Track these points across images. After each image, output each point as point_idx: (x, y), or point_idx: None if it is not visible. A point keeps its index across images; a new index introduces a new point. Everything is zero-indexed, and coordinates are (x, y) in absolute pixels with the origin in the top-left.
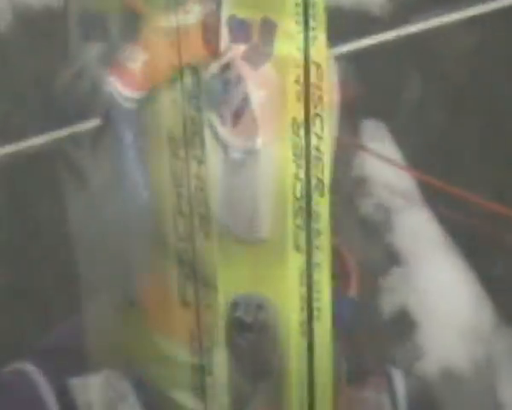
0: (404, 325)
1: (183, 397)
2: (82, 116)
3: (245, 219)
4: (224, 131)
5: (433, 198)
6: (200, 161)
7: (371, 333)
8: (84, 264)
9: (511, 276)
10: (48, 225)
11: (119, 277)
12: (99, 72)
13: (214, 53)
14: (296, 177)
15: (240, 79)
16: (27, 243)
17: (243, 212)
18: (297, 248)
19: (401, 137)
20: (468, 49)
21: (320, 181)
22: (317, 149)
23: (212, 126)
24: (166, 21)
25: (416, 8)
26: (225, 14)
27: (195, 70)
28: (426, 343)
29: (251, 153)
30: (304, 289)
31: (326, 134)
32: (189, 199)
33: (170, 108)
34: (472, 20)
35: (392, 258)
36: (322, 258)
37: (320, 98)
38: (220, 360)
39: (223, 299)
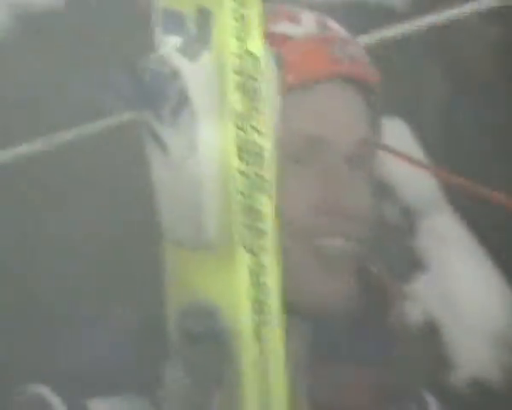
0: (430, 335)
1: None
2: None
3: (190, 222)
4: (163, 130)
5: (459, 199)
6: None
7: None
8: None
9: None
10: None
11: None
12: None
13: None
14: (240, 172)
15: (176, 73)
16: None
17: (188, 215)
18: (245, 247)
19: (424, 136)
20: (490, 41)
21: (261, 178)
22: (257, 143)
23: (149, 126)
24: None
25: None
26: (158, 5)
27: None
28: (454, 355)
29: (192, 149)
30: (256, 291)
31: (266, 129)
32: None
33: None
34: (492, 11)
35: (417, 263)
36: (269, 260)
37: (256, 90)
38: (172, 372)
39: (171, 309)
